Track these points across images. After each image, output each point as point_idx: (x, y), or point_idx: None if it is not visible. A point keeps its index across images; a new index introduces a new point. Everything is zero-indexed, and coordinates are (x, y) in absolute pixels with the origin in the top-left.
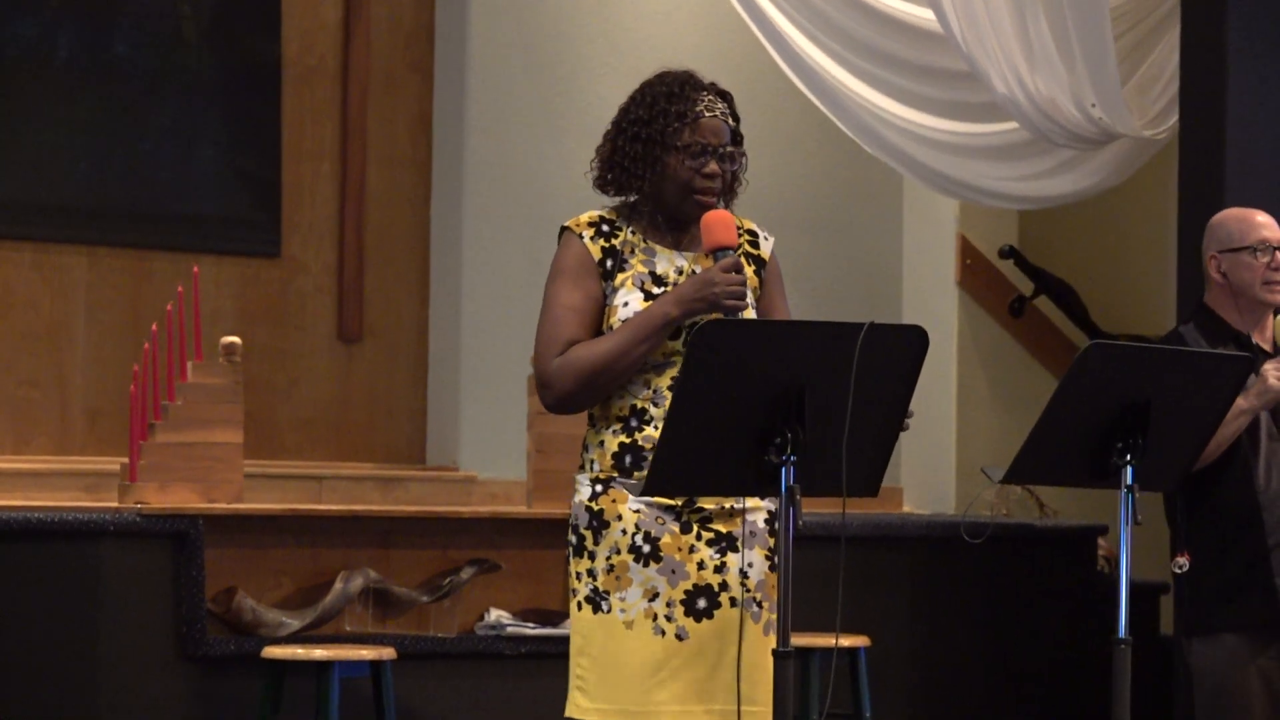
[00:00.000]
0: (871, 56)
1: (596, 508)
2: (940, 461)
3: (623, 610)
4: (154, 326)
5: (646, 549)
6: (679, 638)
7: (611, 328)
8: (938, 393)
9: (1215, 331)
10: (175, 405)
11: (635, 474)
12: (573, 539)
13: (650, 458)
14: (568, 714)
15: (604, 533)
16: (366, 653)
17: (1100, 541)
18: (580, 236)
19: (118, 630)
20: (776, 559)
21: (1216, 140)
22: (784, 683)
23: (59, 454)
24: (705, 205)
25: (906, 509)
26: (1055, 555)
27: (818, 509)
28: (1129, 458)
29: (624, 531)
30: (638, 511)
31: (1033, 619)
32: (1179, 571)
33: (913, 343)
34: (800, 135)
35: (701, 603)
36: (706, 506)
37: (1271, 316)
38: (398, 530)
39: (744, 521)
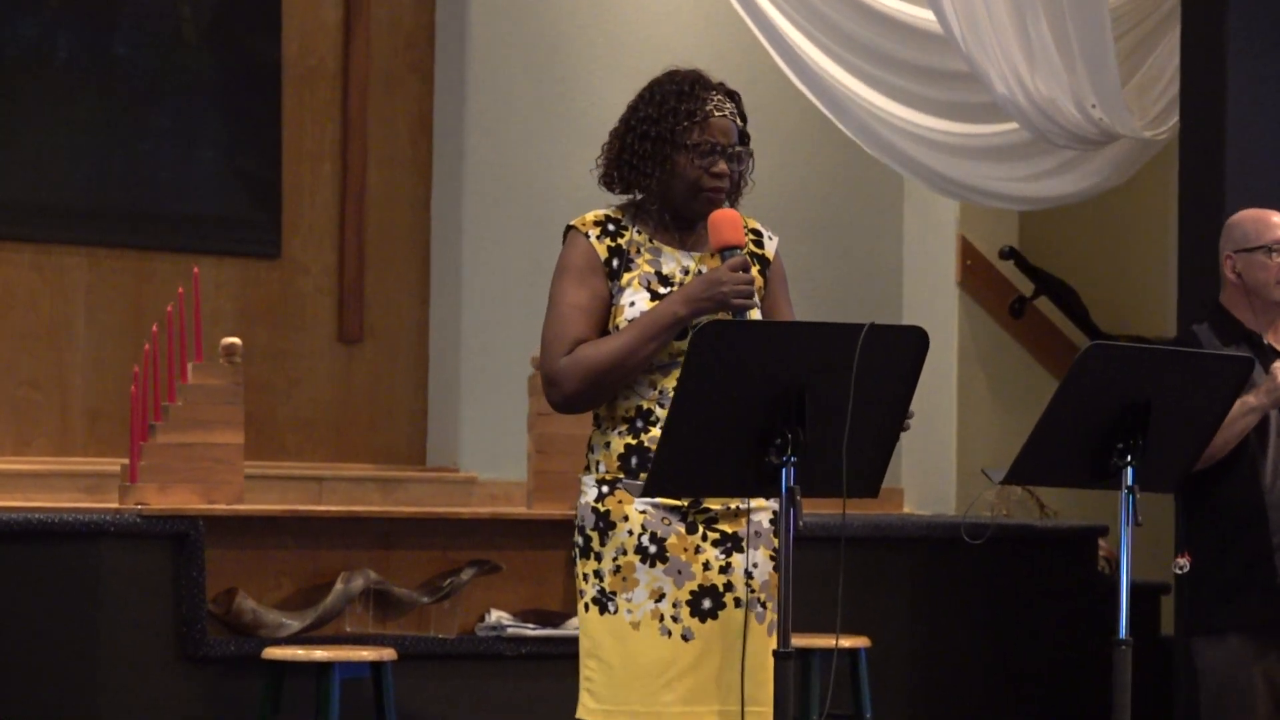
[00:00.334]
0: (871, 57)
1: (603, 509)
2: (941, 462)
3: (629, 611)
4: (154, 327)
5: (653, 550)
6: (685, 638)
7: (618, 327)
8: (938, 394)
9: (1228, 331)
10: (175, 406)
11: (641, 475)
12: (579, 540)
13: (649, 470)
14: (578, 715)
15: (610, 534)
16: (367, 654)
17: (1101, 542)
18: (586, 235)
19: (118, 631)
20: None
21: (1217, 141)
22: (784, 683)
23: (59, 455)
24: (713, 204)
25: (907, 510)
26: (1056, 556)
27: (818, 510)
28: (1129, 459)
29: (630, 532)
30: (644, 512)
31: (1033, 620)
32: (1179, 572)
33: (913, 344)
34: (800, 136)
35: (707, 603)
36: (712, 507)
37: None
38: (398, 531)
39: (749, 522)
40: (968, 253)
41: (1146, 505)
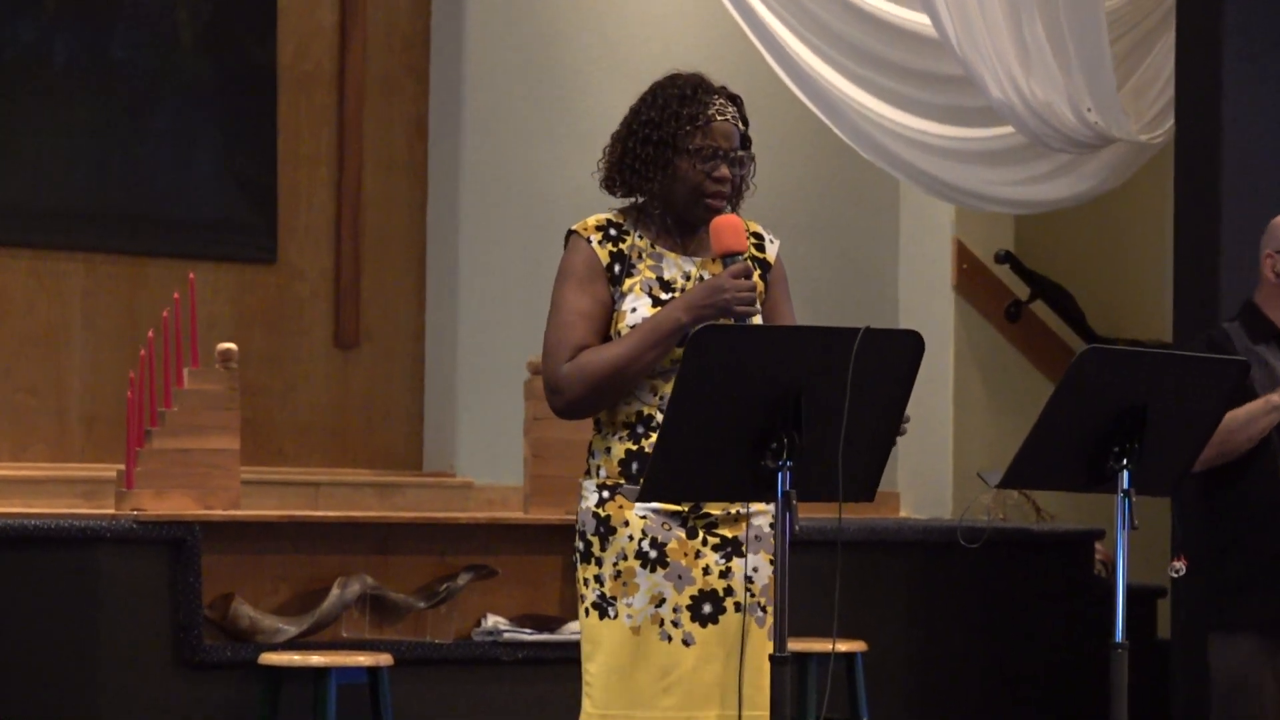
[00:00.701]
0: (867, 61)
1: (604, 514)
2: (937, 466)
3: (629, 616)
4: (150, 333)
5: (653, 555)
6: (685, 643)
7: (619, 333)
8: (934, 397)
9: (1258, 329)
10: (172, 412)
11: (640, 480)
12: (580, 545)
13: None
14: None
15: (611, 539)
16: (364, 659)
17: (1097, 546)
18: (588, 241)
19: (115, 637)
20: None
21: (1212, 144)
22: (781, 688)
23: (56, 461)
24: (714, 209)
25: (903, 514)
26: (1052, 560)
27: (814, 514)
28: (1125, 462)
29: (631, 537)
30: (644, 518)
31: (1029, 623)
32: (1176, 575)
33: (909, 347)
34: (796, 140)
35: (707, 608)
36: (712, 512)
37: None
38: (395, 536)
39: (748, 525)
40: (963, 256)
41: (1143, 509)
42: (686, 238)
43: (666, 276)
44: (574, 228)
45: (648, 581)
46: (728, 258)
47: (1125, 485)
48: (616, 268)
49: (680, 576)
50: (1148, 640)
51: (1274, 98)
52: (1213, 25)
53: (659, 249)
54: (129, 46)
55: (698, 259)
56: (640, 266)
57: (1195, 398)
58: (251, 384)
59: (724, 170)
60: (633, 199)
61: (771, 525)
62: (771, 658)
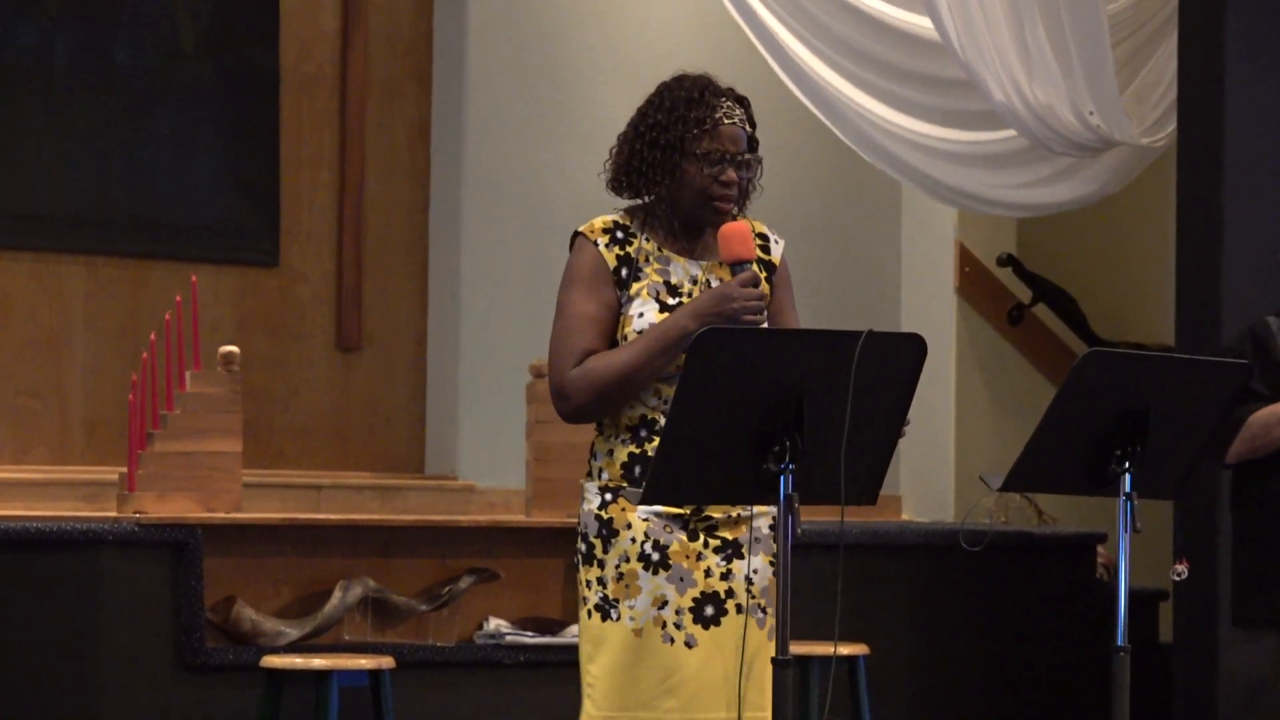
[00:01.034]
0: (869, 64)
1: (606, 516)
2: (939, 469)
3: (632, 619)
4: (152, 336)
5: (656, 557)
6: (688, 645)
7: (626, 337)
8: (936, 400)
9: None
10: (174, 415)
11: (632, 490)
12: (582, 547)
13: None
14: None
15: (613, 541)
16: (365, 662)
17: (1099, 549)
18: (595, 244)
19: (117, 640)
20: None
21: (1215, 147)
22: (782, 690)
23: (57, 464)
24: (722, 213)
25: (905, 517)
26: (1054, 563)
27: (816, 517)
28: (1127, 465)
29: (633, 540)
30: (646, 520)
31: (1031, 626)
32: (1178, 579)
33: (911, 351)
34: (798, 143)
35: (709, 610)
36: (714, 515)
37: None
38: (397, 539)
39: (750, 528)
40: (966, 260)
41: (1145, 512)
42: (693, 240)
43: (673, 281)
44: (580, 229)
45: (650, 584)
46: (736, 266)
47: (1127, 488)
48: (623, 271)
49: (682, 579)
50: (1150, 643)
51: (1276, 100)
52: (1215, 29)
53: (666, 252)
54: (130, 49)
55: (705, 263)
56: (647, 270)
57: (1197, 401)
58: (253, 387)
59: (731, 174)
60: (639, 199)
61: (772, 527)
62: (774, 660)
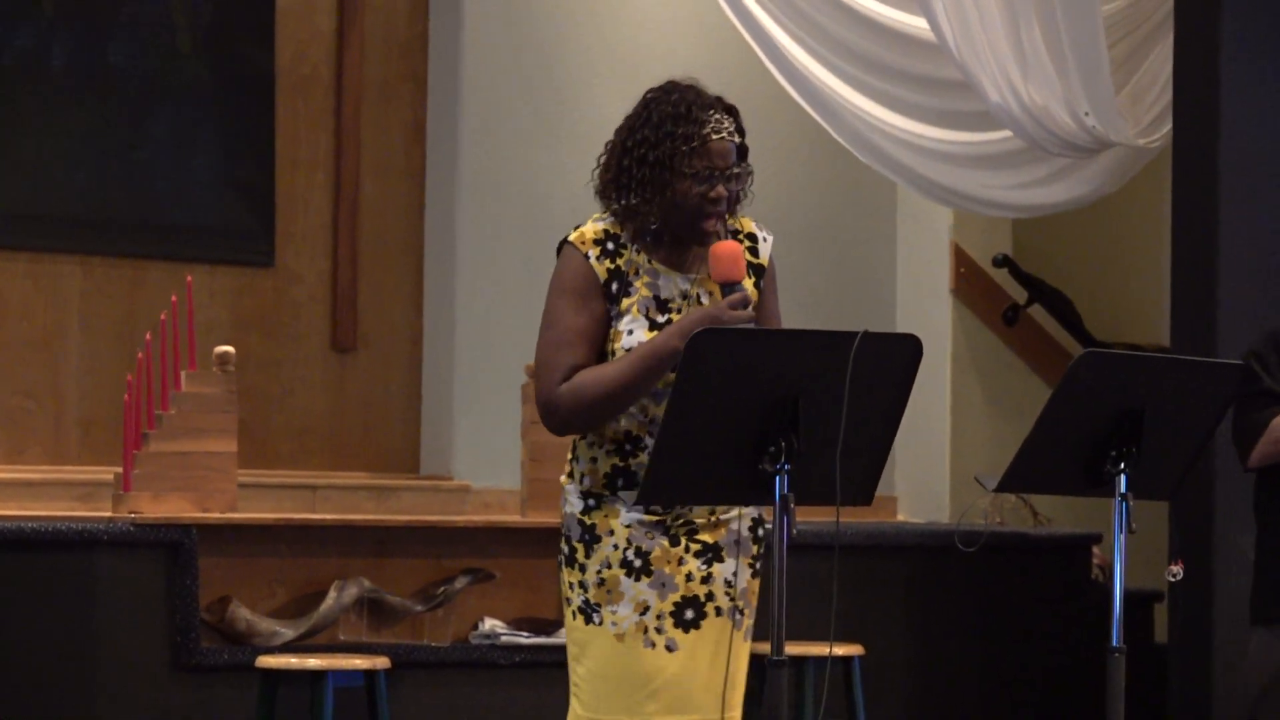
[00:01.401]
0: (865, 65)
1: (589, 521)
2: (934, 470)
3: (614, 624)
4: (148, 336)
5: (638, 563)
6: (669, 649)
7: (614, 353)
8: (932, 401)
9: None
10: (169, 415)
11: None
12: (565, 549)
13: (642, 478)
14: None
15: (595, 546)
16: (360, 662)
17: (1094, 550)
18: (586, 256)
19: (112, 640)
20: (758, 565)
21: (1210, 148)
22: (777, 691)
23: (53, 463)
24: (712, 229)
25: (901, 517)
26: (1049, 564)
27: (812, 517)
28: (1123, 466)
29: (616, 546)
30: (629, 526)
31: (1027, 627)
32: (1173, 580)
33: (907, 351)
34: (794, 144)
35: (689, 614)
36: (695, 520)
37: None
38: (392, 539)
39: (729, 530)
40: (961, 260)
41: (1140, 513)
42: (683, 252)
43: (663, 296)
44: (570, 239)
45: (632, 590)
46: (726, 287)
47: (1122, 489)
48: (614, 285)
49: (664, 584)
50: (1145, 644)
51: (1272, 101)
52: (1211, 29)
53: (655, 265)
54: (127, 50)
55: (694, 276)
56: (637, 284)
57: (1193, 402)
58: (249, 387)
59: (720, 189)
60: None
61: (751, 529)
62: (769, 661)
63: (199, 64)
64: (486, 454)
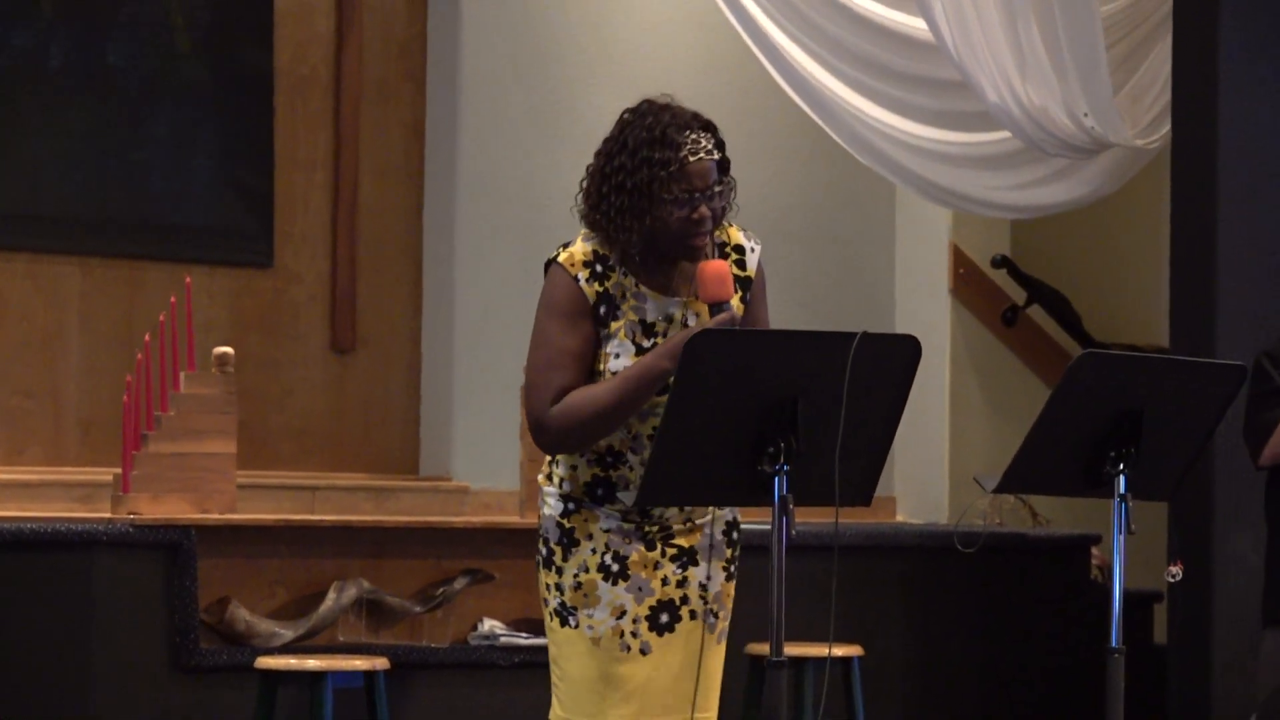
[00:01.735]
0: (864, 66)
1: (568, 525)
2: (933, 471)
3: (590, 628)
4: (147, 337)
5: (615, 568)
6: (643, 652)
7: (602, 374)
8: (931, 402)
9: None
10: (168, 415)
11: (608, 502)
12: (542, 550)
13: (622, 490)
14: (551, 716)
15: (574, 550)
16: (360, 663)
17: (1094, 550)
18: (576, 279)
19: (111, 641)
20: (733, 568)
21: (1209, 149)
22: (776, 692)
23: (52, 464)
24: (697, 249)
25: (899, 518)
26: (1048, 564)
27: (811, 518)
28: (1122, 467)
29: (594, 551)
30: (608, 531)
31: (1026, 628)
32: (1172, 580)
33: (906, 352)
34: (793, 145)
35: (664, 617)
36: (671, 525)
37: None
38: (391, 540)
39: (703, 534)
40: (960, 261)
41: (1139, 513)
42: (669, 274)
43: (649, 320)
44: (560, 260)
45: (609, 594)
46: (714, 307)
47: (1122, 490)
48: (603, 309)
49: (640, 588)
50: (1144, 645)
51: (1271, 102)
52: (1209, 30)
53: (642, 288)
54: (126, 50)
55: (680, 299)
56: (624, 308)
57: (1192, 402)
58: (248, 388)
59: (703, 210)
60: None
61: (725, 533)
62: (768, 661)
63: (198, 64)
64: (485, 455)
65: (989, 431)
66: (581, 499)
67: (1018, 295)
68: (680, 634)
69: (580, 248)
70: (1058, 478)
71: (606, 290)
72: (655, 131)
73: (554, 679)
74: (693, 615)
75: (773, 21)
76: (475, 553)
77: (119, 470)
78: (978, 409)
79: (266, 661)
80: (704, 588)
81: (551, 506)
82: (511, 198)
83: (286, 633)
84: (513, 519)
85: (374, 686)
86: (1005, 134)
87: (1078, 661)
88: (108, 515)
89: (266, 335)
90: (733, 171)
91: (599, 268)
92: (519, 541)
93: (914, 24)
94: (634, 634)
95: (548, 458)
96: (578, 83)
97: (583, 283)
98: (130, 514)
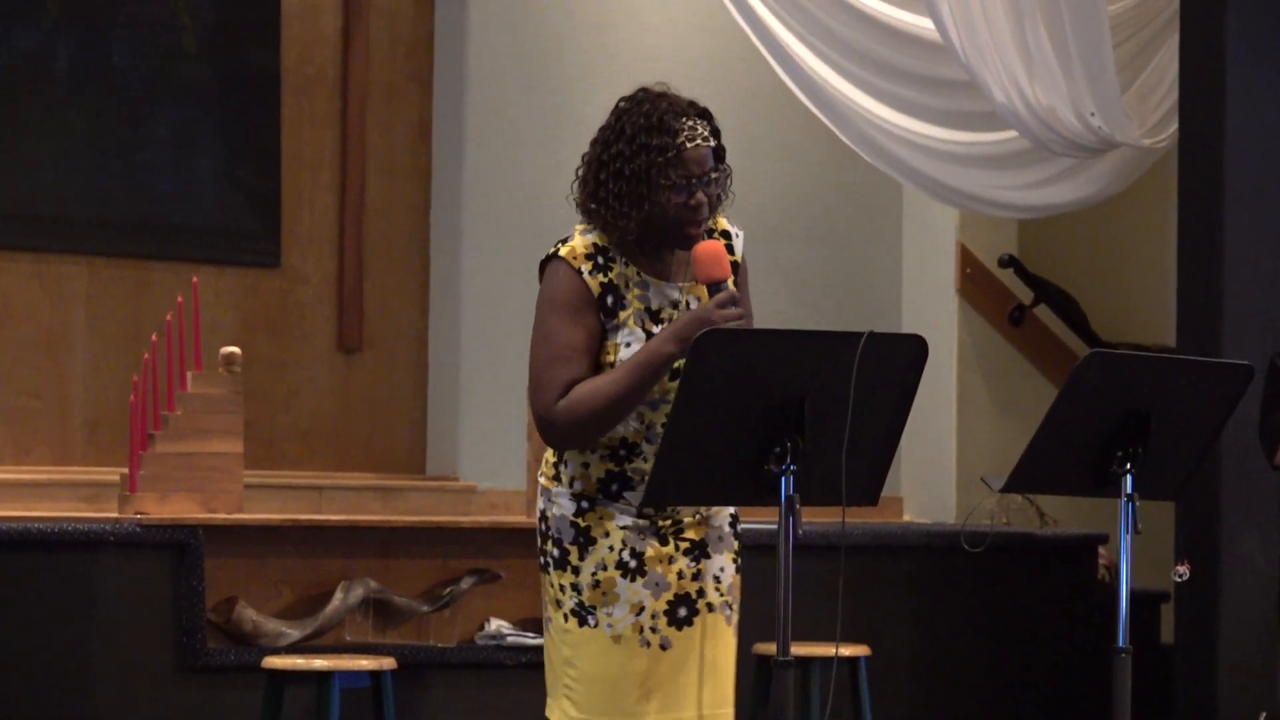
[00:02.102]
0: (871, 66)
1: (583, 524)
2: (940, 470)
3: (610, 625)
4: (154, 337)
5: (633, 565)
6: (663, 647)
7: (612, 365)
8: (938, 402)
9: None
10: (175, 415)
11: (622, 498)
12: (554, 551)
13: (638, 485)
14: (549, 715)
15: (591, 549)
16: (367, 663)
17: (1101, 550)
18: (579, 272)
19: (118, 641)
20: (739, 560)
21: (1216, 148)
22: (783, 692)
23: (59, 464)
24: (694, 235)
25: (907, 518)
26: (1055, 564)
27: (818, 518)
28: (1129, 466)
29: (611, 548)
30: (625, 529)
31: (1033, 628)
32: (1179, 580)
33: (913, 352)
34: (800, 145)
35: (682, 611)
36: (683, 519)
37: None
38: (398, 540)
39: (712, 526)
40: (967, 261)
41: (1146, 513)
42: (665, 260)
43: (654, 307)
44: (561, 254)
45: (628, 591)
46: (712, 286)
47: (1128, 489)
48: (609, 299)
49: (658, 584)
50: (1151, 645)
51: (1277, 102)
52: (1216, 30)
53: (644, 276)
54: (131, 50)
55: (682, 284)
56: (629, 297)
57: (1199, 402)
58: (255, 388)
59: (700, 196)
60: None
61: (731, 524)
62: (775, 661)
63: (203, 64)
64: (492, 455)
65: (996, 431)
66: (595, 496)
67: (1025, 295)
68: (698, 627)
69: (580, 241)
70: (1065, 477)
71: (611, 281)
72: (653, 118)
73: (567, 681)
74: (710, 608)
75: (779, 21)
76: (482, 552)
77: (126, 470)
78: (985, 409)
79: (273, 661)
80: (718, 579)
81: (563, 506)
82: (518, 198)
83: (293, 632)
84: (520, 519)
85: (381, 686)
86: (1012, 134)
87: (1085, 661)
88: (114, 515)
89: (273, 335)
90: (739, 172)
91: (601, 259)
92: (526, 541)
93: (921, 24)
94: (653, 629)
95: (550, 458)
96: (584, 83)
97: (586, 275)
98: (137, 514)
